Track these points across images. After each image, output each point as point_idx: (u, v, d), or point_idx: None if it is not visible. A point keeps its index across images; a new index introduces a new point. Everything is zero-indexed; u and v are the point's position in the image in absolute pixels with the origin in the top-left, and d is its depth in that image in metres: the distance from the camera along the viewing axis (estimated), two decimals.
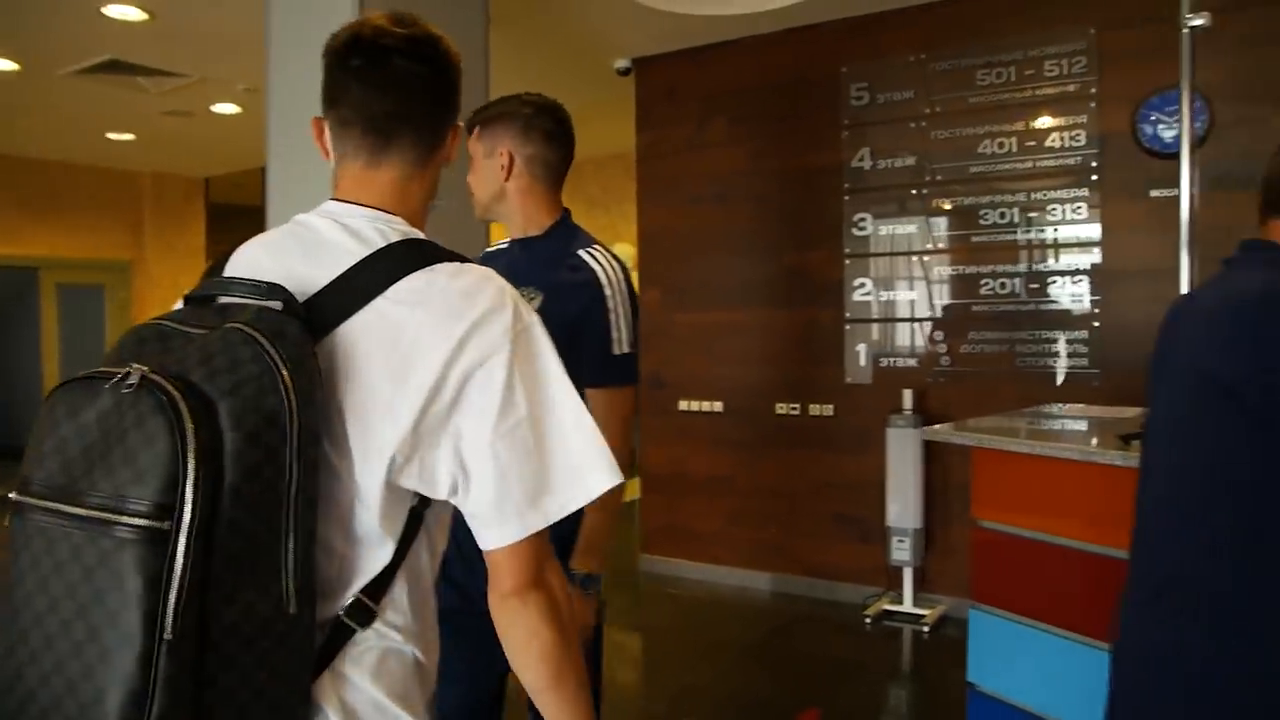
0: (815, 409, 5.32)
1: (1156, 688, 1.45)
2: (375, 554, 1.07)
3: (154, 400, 0.90)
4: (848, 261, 5.23)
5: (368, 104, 1.15)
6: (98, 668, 0.87)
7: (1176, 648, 1.41)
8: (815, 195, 5.34)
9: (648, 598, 5.60)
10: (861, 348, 5.19)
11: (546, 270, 2.02)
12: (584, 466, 1.10)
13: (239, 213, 9.92)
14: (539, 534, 1.09)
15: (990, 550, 2.69)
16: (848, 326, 5.24)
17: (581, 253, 2.04)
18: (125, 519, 0.88)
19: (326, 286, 1.06)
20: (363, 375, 1.04)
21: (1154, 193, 4.41)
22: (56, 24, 5.18)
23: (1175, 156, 2.59)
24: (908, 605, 4.86)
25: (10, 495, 0.95)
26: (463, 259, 1.13)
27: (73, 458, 0.92)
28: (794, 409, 5.39)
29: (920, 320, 5.04)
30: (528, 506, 1.07)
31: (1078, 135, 4.61)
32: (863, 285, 5.20)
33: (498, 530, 1.07)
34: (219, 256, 1.19)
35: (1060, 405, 3.77)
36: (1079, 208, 4.62)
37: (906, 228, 5.08)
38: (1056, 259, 4.69)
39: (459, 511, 1.11)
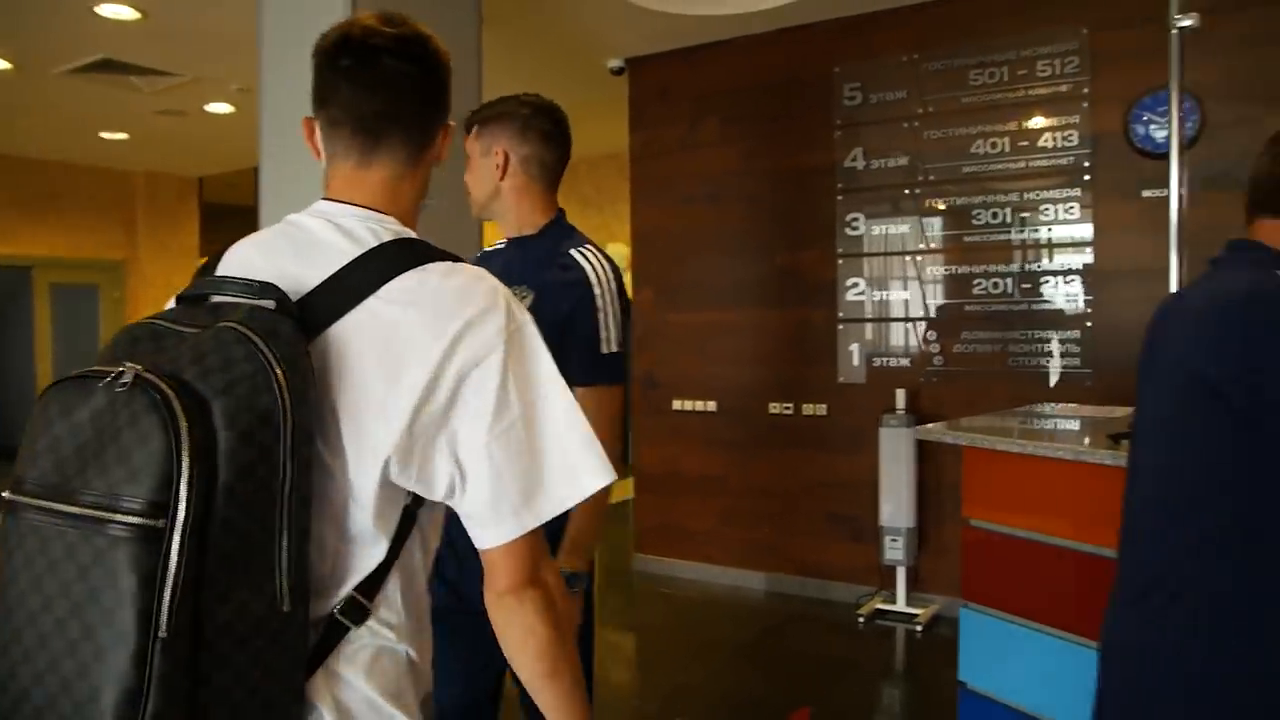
0: (808, 409, 5.33)
1: (1142, 686, 1.46)
2: (369, 552, 1.08)
3: (148, 399, 0.90)
4: (841, 261, 5.25)
5: (357, 104, 1.15)
6: (92, 666, 0.87)
7: (1162, 647, 1.42)
8: (808, 195, 5.35)
9: (641, 597, 5.60)
10: (854, 347, 5.20)
11: (539, 269, 2.03)
12: (577, 465, 1.10)
13: (233, 212, 9.91)
14: (534, 532, 1.09)
15: (981, 549, 2.70)
16: (841, 326, 5.25)
17: (573, 252, 2.05)
18: (119, 517, 0.88)
19: (319, 286, 1.07)
20: (355, 375, 1.04)
21: (1146, 193, 4.42)
22: (49, 23, 5.17)
23: (1167, 157, 2.61)
24: (901, 605, 4.87)
25: (3, 494, 0.95)
26: (455, 258, 1.13)
27: (66, 456, 0.92)
28: (787, 409, 5.40)
29: (913, 320, 5.05)
30: (523, 505, 1.07)
31: (1070, 135, 4.63)
32: (856, 285, 5.21)
33: (493, 530, 1.08)
34: (211, 256, 1.19)
35: (1052, 405, 3.78)
36: (1071, 208, 4.63)
37: (899, 228, 5.09)
38: (1049, 259, 4.71)
39: (452, 510, 1.11)
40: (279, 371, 0.94)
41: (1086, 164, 4.59)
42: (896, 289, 5.11)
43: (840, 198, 5.24)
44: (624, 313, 2.06)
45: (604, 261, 2.06)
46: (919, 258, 5.04)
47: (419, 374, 1.04)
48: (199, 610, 0.90)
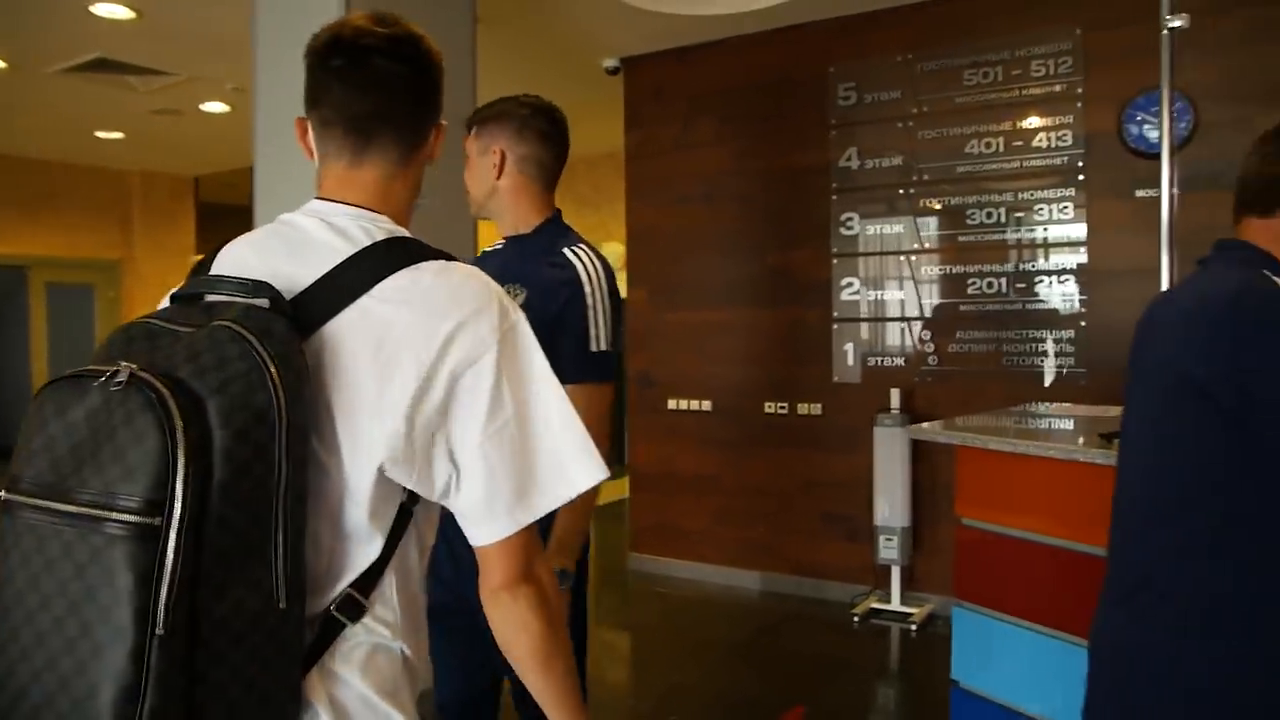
0: (803, 408, 5.34)
1: (1131, 685, 1.46)
2: (364, 549, 1.08)
3: (143, 398, 0.90)
4: (835, 261, 5.25)
5: (348, 104, 1.15)
6: (90, 664, 0.88)
7: (1150, 646, 1.42)
8: (802, 195, 5.35)
9: (636, 596, 5.61)
10: (849, 347, 5.21)
11: (532, 267, 2.04)
12: (570, 463, 1.11)
13: (229, 212, 9.89)
14: (528, 529, 1.10)
15: (974, 548, 2.71)
16: (835, 326, 5.26)
17: (565, 250, 2.06)
18: (116, 515, 0.89)
19: (312, 285, 1.07)
20: (349, 373, 1.04)
21: (1140, 193, 4.43)
22: (45, 22, 5.17)
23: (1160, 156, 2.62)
24: (895, 604, 4.88)
25: (0, 494, 0.96)
26: (449, 257, 1.14)
27: (61, 455, 0.93)
28: (782, 408, 5.41)
29: (908, 320, 5.06)
30: (516, 503, 1.08)
31: (1064, 135, 4.64)
32: (850, 285, 5.22)
33: (488, 527, 1.08)
34: (205, 255, 1.20)
35: (1047, 404, 3.79)
36: (1065, 207, 4.65)
37: (894, 227, 5.10)
38: (1043, 259, 4.72)
39: (448, 509, 1.12)
40: (273, 369, 0.94)
41: (1080, 164, 4.60)
42: (891, 289, 5.12)
43: (835, 197, 5.25)
44: (615, 311, 2.07)
45: (596, 260, 2.07)
46: (913, 257, 5.05)
47: (412, 373, 1.04)
48: (195, 607, 0.91)
